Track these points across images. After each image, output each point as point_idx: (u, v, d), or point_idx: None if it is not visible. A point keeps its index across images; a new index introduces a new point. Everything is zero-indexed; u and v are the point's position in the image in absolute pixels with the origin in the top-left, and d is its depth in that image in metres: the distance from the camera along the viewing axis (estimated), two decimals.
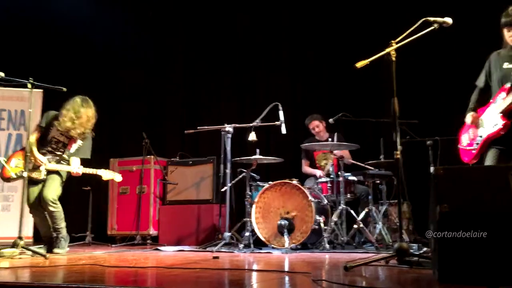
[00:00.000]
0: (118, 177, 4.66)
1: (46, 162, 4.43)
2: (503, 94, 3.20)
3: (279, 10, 6.83)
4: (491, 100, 3.32)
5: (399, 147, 2.93)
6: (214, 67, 7.14)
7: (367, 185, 5.09)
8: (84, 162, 4.57)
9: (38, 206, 4.45)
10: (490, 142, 3.24)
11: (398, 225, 3.48)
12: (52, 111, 4.69)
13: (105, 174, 4.59)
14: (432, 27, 3.01)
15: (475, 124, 3.38)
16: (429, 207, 2.34)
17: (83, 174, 4.48)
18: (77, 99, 4.46)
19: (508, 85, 3.17)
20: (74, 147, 4.55)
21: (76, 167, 4.43)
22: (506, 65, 3.26)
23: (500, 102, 3.20)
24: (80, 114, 4.41)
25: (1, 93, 6.41)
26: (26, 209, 4.34)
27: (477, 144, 3.31)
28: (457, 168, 2.32)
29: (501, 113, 3.16)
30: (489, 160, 3.25)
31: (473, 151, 3.34)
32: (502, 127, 3.14)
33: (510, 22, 3.19)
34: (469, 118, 3.41)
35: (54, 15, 7.04)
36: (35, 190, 4.46)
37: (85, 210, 6.29)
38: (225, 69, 7.09)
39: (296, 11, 6.70)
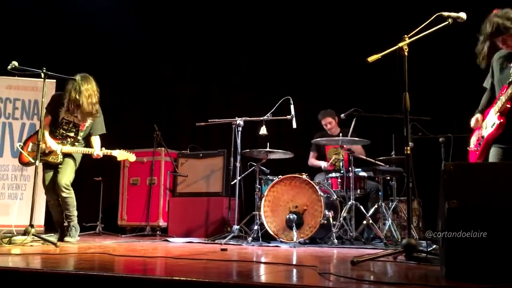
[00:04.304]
0: (132, 157, 4.73)
1: (57, 148, 4.48)
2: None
3: (291, 2, 6.79)
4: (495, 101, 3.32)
5: (409, 143, 2.92)
6: (225, 59, 7.14)
7: (377, 181, 5.07)
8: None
9: (53, 190, 4.53)
10: (492, 141, 3.26)
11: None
12: (58, 92, 4.76)
13: (120, 155, 4.66)
14: (446, 22, 2.98)
15: (480, 126, 3.41)
16: (439, 203, 2.33)
17: (95, 159, 4.56)
18: (77, 77, 4.45)
19: (506, 85, 3.18)
20: (86, 126, 4.62)
21: (98, 150, 4.53)
22: (505, 65, 3.27)
23: (498, 102, 3.22)
24: (82, 91, 4.41)
25: (15, 83, 6.47)
26: (38, 197, 4.40)
27: (480, 144, 3.34)
28: (467, 164, 2.30)
29: (497, 112, 3.19)
30: (492, 159, 3.27)
31: (477, 152, 3.37)
32: (497, 126, 3.17)
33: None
34: (472, 120, 3.47)
35: (67, 4, 7.09)
36: (50, 174, 4.55)
37: (96, 200, 6.35)
38: (237, 62, 7.08)
39: (309, 4, 6.66)
